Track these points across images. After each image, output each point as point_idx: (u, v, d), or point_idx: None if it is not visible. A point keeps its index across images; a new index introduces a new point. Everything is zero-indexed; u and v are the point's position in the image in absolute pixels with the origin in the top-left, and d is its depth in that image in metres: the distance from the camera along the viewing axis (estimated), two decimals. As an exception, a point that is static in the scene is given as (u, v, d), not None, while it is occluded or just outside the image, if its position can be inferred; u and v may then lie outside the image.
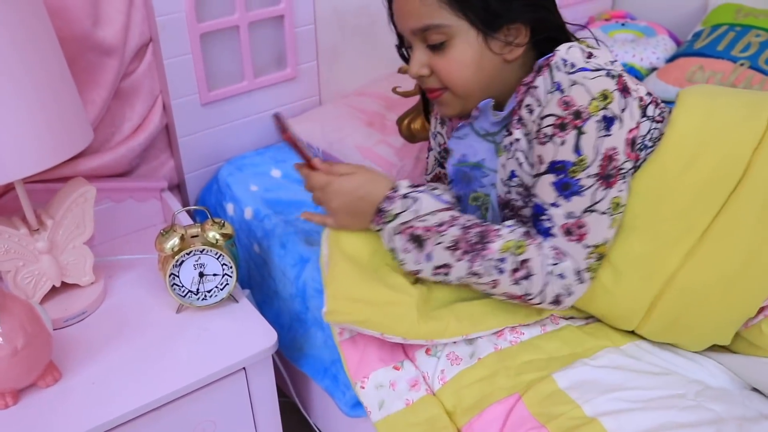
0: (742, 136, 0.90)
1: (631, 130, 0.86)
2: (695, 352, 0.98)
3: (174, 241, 1.07)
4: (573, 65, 0.87)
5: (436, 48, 0.93)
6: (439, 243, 0.92)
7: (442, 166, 1.18)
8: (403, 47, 1.05)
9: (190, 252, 1.08)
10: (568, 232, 0.88)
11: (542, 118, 0.88)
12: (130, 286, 1.18)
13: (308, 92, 1.49)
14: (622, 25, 1.95)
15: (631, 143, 0.87)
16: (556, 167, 0.87)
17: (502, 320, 0.97)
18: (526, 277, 0.88)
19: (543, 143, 0.88)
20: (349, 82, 1.55)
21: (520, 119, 0.93)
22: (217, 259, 1.10)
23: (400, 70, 1.58)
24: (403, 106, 1.41)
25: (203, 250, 1.09)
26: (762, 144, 0.89)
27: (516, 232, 0.91)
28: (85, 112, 1.05)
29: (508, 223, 0.93)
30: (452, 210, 0.96)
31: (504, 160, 0.97)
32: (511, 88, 0.95)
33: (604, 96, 0.84)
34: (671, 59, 1.75)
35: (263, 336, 1.08)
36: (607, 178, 0.86)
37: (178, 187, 1.42)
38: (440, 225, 0.93)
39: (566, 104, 0.85)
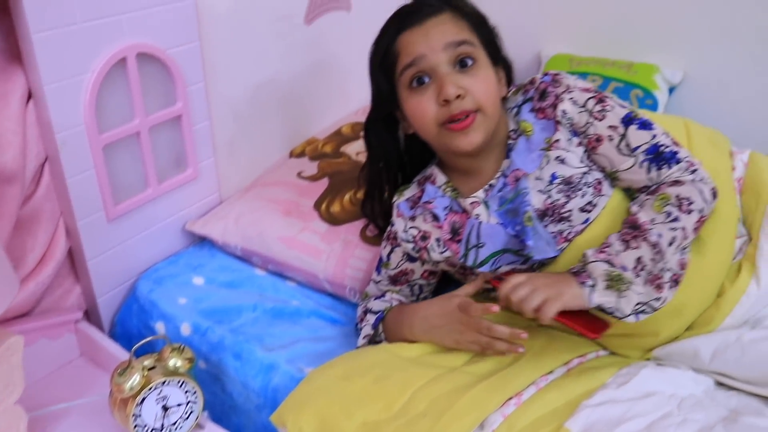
0: None
1: None
2: (658, 364, 1.07)
3: (135, 379, 0.96)
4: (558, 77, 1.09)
5: (467, 68, 1.01)
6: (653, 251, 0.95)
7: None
8: (391, 99, 1.09)
9: (152, 387, 0.97)
10: (675, 143, 1.03)
11: (583, 106, 1.04)
12: (75, 440, 1.03)
13: (209, 190, 1.43)
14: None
15: None
16: (629, 119, 1.03)
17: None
18: (690, 204, 0.97)
19: (604, 116, 1.04)
20: (246, 174, 1.51)
21: (557, 122, 1.05)
22: (180, 387, 1.00)
23: (292, 154, 1.58)
24: (315, 191, 1.41)
25: (165, 381, 0.99)
26: None
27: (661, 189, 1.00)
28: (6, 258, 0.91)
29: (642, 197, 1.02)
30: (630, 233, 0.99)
31: (537, 173, 1.04)
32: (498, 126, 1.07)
33: None
34: (524, 109, 1.93)
35: (247, 459, 1.00)
36: None
37: (86, 315, 1.27)
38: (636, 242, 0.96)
39: (587, 89, 1.05)
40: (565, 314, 0.94)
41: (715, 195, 1.03)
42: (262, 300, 1.26)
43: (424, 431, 0.92)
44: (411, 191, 1.17)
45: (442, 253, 1.11)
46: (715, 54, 1.69)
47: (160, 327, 1.23)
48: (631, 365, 1.07)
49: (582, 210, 1.04)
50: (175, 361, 1.00)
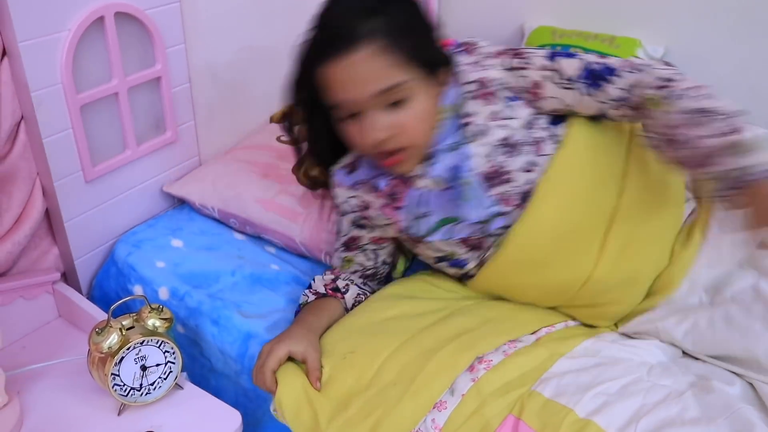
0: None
1: None
2: (626, 337, 1.10)
3: (113, 338, 0.97)
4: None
5: (396, 106, 0.95)
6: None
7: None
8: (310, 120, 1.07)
9: (130, 346, 0.98)
10: (604, 57, 1.01)
11: (508, 68, 1.02)
12: (52, 398, 1.03)
13: (188, 154, 1.42)
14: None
15: None
16: (553, 54, 1.02)
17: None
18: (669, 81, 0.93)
19: (529, 63, 1.01)
20: (226, 138, 1.50)
21: (491, 93, 1.01)
22: (159, 347, 1.01)
23: (272, 120, 1.57)
24: (294, 155, 1.40)
25: (143, 341, 0.99)
26: None
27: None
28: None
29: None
30: None
31: (482, 140, 1.01)
32: None
33: None
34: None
35: (226, 420, 1.01)
36: None
37: (64, 276, 1.27)
38: None
39: (500, 53, 1.04)
40: None
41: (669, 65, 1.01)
42: (241, 264, 1.26)
43: (396, 400, 0.94)
44: (347, 159, 1.13)
45: (386, 222, 1.11)
46: (695, 29, 1.71)
47: (138, 290, 1.23)
48: (599, 335, 1.09)
49: (524, 170, 1.03)
50: (153, 321, 1.01)
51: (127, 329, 1.00)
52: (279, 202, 1.31)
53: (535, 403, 0.94)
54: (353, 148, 1.04)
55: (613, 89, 0.98)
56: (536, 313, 1.12)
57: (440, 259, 1.12)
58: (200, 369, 1.19)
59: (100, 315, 1.14)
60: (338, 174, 1.14)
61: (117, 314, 1.00)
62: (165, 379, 1.03)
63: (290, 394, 0.96)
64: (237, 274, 1.24)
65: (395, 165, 1.01)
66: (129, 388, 1.00)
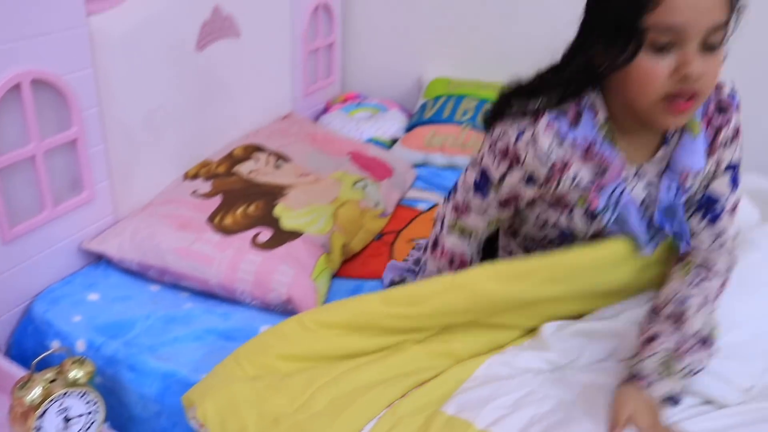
0: None
1: None
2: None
3: (35, 392, 1.00)
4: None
5: (711, 52, 0.91)
6: None
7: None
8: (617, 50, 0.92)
9: (53, 399, 1.01)
10: None
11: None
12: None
13: (105, 212, 1.47)
14: (358, 104, 2.25)
15: None
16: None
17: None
18: None
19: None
20: (142, 195, 1.55)
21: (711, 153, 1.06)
22: (81, 398, 1.05)
23: (186, 176, 1.64)
24: (209, 207, 1.48)
25: (66, 392, 1.03)
26: None
27: None
28: None
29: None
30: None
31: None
32: None
33: None
34: (409, 129, 2.08)
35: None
36: None
37: (-20, 338, 1.28)
38: None
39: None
40: None
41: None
42: (155, 309, 1.32)
43: (320, 429, 1.00)
44: (570, 108, 1.01)
45: (574, 186, 1.02)
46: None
47: (55, 345, 1.27)
48: (500, 353, 1.20)
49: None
50: (75, 373, 1.05)
51: (50, 382, 1.03)
52: (195, 249, 1.38)
53: (439, 421, 1.04)
54: (635, 87, 0.93)
55: None
56: (481, 345, 1.18)
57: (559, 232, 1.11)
58: (119, 418, 1.23)
59: (19, 372, 1.15)
60: (557, 120, 1.00)
61: (38, 369, 1.03)
62: (88, 429, 1.06)
63: (216, 406, 0.99)
64: (151, 317, 1.30)
65: (685, 111, 0.94)
66: (53, 441, 1.03)
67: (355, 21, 2.36)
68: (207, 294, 1.39)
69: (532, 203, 1.10)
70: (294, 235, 1.44)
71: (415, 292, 1.12)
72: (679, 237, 1.07)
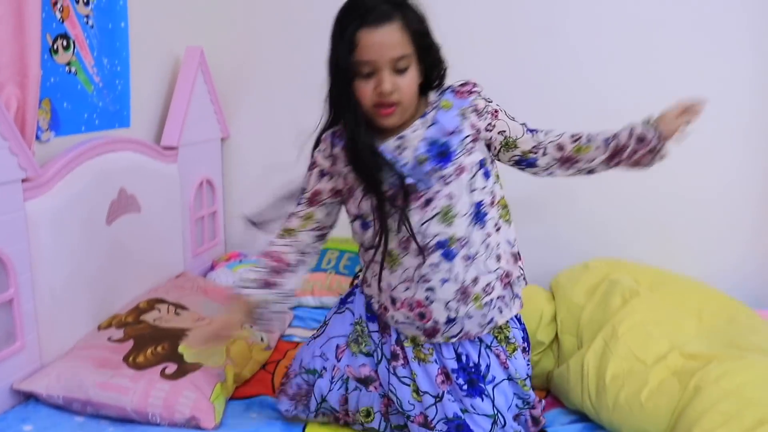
0: None
1: None
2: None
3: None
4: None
5: (401, 72, 1.37)
6: None
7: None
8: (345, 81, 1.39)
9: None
10: None
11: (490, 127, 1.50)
12: None
13: (34, 357, 1.75)
14: (240, 261, 2.66)
15: None
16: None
17: None
18: None
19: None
20: (63, 344, 1.84)
21: (475, 138, 1.48)
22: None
23: (100, 327, 1.96)
24: (122, 350, 1.80)
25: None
26: None
27: None
28: None
29: None
30: None
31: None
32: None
33: None
34: (284, 279, 2.51)
35: None
36: None
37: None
38: None
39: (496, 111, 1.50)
40: None
41: None
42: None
43: None
44: (338, 128, 1.50)
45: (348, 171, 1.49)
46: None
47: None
48: None
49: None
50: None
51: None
52: (113, 383, 1.68)
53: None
54: (360, 101, 1.39)
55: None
56: None
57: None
58: None
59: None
60: (330, 136, 1.51)
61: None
62: None
63: None
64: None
65: (389, 116, 1.40)
66: None
67: (233, 191, 2.84)
68: (125, 419, 1.67)
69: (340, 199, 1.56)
70: (195, 366, 1.78)
71: None
72: (423, 182, 1.44)
